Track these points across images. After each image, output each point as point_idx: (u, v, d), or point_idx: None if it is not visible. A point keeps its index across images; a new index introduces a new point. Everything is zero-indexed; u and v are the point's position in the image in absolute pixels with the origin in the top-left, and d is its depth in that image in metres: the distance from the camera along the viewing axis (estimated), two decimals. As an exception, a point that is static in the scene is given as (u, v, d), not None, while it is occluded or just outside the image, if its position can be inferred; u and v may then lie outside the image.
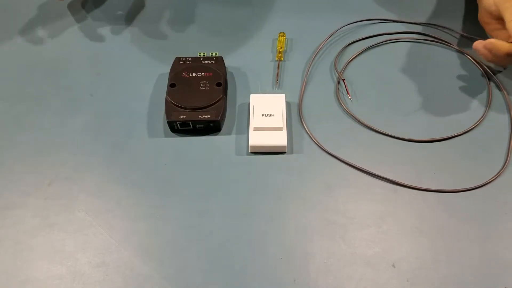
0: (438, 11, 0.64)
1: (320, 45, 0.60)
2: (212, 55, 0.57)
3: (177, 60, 0.55)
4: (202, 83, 0.52)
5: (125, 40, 0.61)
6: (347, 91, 0.54)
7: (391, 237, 0.43)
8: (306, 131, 0.51)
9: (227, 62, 0.56)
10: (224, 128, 0.52)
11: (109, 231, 0.44)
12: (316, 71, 0.57)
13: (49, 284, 0.41)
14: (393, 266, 0.42)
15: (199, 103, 0.51)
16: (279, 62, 0.58)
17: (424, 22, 0.62)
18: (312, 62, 0.58)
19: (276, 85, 0.56)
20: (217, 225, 0.45)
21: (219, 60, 0.55)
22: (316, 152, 0.50)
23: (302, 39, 0.61)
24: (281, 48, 0.59)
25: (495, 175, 0.47)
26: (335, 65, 0.57)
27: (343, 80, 0.55)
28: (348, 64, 0.58)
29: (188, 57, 0.55)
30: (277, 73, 0.57)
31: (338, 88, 0.55)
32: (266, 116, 0.50)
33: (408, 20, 0.63)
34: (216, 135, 0.51)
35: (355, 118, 0.52)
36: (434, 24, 0.62)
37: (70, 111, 0.54)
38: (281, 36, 0.60)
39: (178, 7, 0.65)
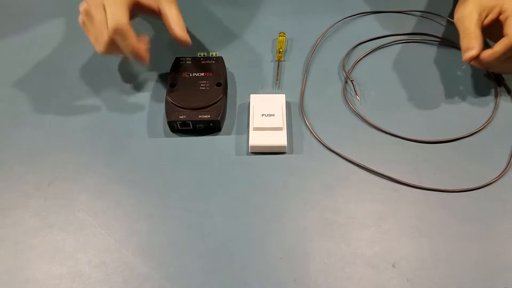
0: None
1: (316, 42, 0.60)
2: (212, 55, 0.57)
3: (177, 60, 0.55)
4: (202, 83, 0.52)
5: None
6: (355, 92, 0.54)
7: (391, 237, 0.43)
8: (308, 126, 0.51)
9: (227, 62, 0.56)
10: (224, 128, 0.52)
11: (109, 231, 0.44)
12: (318, 70, 0.57)
13: (49, 284, 0.41)
14: (393, 266, 0.42)
15: (199, 103, 0.51)
16: (279, 62, 0.58)
17: (421, 10, 0.63)
18: (309, 60, 0.58)
19: (276, 85, 0.56)
20: (217, 225, 0.45)
21: (219, 60, 0.55)
22: (316, 152, 0.50)
23: (302, 39, 0.61)
24: (281, 48, 0.59)
25: (497, 176, 0.47)
26: (343, 66, 0.57)
27: (351, 81, 0.55)
28: (355, 64, 0.57)
29: (188, 57, 0.55)
30: (277, 73, 0.57)
31: (346, 88, 0.55)
32: (266, 116, 0.50)
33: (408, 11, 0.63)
34: (216, 135, 0.51)
35: (362, 118, 0.52)
36: (431, 13, 0.62)
37: (70, 111, 0.54)
38: (281, 36, 0.60)
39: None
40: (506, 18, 0.49)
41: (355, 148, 0.50)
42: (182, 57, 0.55)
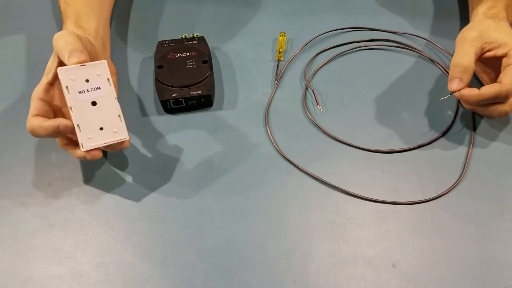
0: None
1: (296, 51, 0.59)
2: (193, 36, 0.57)
3: (160, 43, 0.56)
4: (189, 62, 0.54)
5: (127, 38, 0.61)
6: (317, 102, 0.54)
7: (391, 237, 0.43)
8: (269, 136, 0.51)
9: (228, 62, 0.56)
10: (223, 127, 0.52)
11: (109, 231, 0.44)
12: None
13: (49, 284, 0.41)
14: (393, 266, 0.42)
15: (188, 80, 0.52)
16: (279, 62, 0.58)
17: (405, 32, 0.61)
18: (285, 68, 0.57)
19: (276, 85, 0.56)
20: (217, 225, 0.45)
21: (201, 40, 0.57)
22: (315, 151, 0.50)
23: (302, 39, 0.61)
24: (281, 48, 0.59)
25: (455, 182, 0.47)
26: (304, 75, 0.56)
27: (312, 90, 0.54)
28: (316, 72, 0.57)
29: (171, 40, 0.56)
30: (277, 73, 0.57)
31: (305, 95, 0.54)
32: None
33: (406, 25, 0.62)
34: (216, 134, 0.51)
35: (320, 128, 0.51)
36: (409, 34, 0.60)
37: (70, 111, 0.54)
38: (282, 36, 0.60)
39: (178, 7, 0.65)
40: (509, 65, 0.46)
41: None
42: (165, 40, 0.56)
